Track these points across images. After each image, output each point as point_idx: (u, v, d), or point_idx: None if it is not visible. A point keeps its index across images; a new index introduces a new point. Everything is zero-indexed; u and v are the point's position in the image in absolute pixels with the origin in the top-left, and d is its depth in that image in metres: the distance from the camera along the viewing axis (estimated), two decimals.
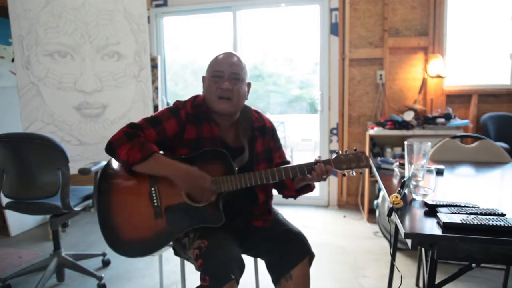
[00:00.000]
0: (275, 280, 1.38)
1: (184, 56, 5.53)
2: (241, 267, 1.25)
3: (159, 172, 1.32)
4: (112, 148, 1.32)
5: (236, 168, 1.37)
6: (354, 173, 1.39)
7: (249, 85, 1.49)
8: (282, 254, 1.36)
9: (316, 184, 1.44)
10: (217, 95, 1.38)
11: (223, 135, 1.45)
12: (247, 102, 1.53)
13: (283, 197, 1.56)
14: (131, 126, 1.36)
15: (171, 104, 1.49)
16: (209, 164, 1.35)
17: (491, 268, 2.17)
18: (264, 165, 1.47)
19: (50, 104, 2.76)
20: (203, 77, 1.49)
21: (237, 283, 1.21)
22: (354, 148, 1.42)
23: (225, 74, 1.39)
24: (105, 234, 1.38)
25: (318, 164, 1.36)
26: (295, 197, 1.54)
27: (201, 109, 1.44)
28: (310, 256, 1.39)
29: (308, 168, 1.36)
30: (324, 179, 1.37)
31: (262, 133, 1.52)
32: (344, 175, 1.41)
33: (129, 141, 1.30)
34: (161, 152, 1.42)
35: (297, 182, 1.46)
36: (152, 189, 1.36)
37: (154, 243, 1.34)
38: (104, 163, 1.44)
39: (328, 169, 1.35)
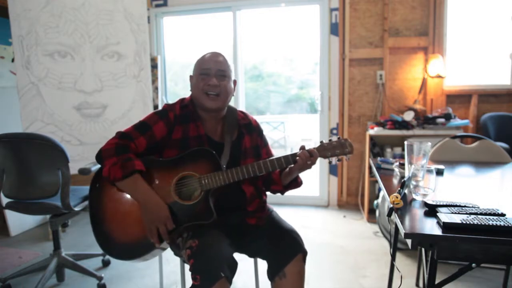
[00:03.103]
0: (270, 278, 1.40)
1: (184, 56, 5.53)
2: (232, 265, 1.25)
3: (134, 195, 1.34)
4: (101, 158, 1.35)
5: (224, 166, 1.39)
6: (340, 161, 1.41)
7: (234, 82, 1.54)
8: (275, 252, 1.38)
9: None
10: (205, 91, 1.42)
11: (209, 132, 1.48)
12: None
13: (271, 192, 1.59)
14: (121, 136, 1.38)
15: None
16: (197, 163, 1.37)
17: (491, 268, 2.17)
18: (251, 161, 1.49)
19: (50, 104, 2.76)
20: (190, 76, 1.53)
21: (229, 281, 1.22)
22: (338, 136, 1.44)
23: (212, 71, 1.43)
24: (98, 237, 1.41)
25: (302, 151, 1.38)
26: (282, 192, 1.56)
27: (188, 109, 1.47)
28: (303, 253, 1.40)
29: (293, 157, 1.38)
30: (309, 166, 1.39)
31: (249, 130, 1.56)
32: (330, 162, 1.43)
33: (116, 155, 1.32)
34: (151, 156, 1.43)
35: (284, 177, 1.49)
36: None
37: (146, 244, 1.35)
38: None
39: (312, 153, 1.37)
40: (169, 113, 1.44)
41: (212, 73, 1.43)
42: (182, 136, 1.43)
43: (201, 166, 1.37)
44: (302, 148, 1.40)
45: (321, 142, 1.42)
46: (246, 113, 1.62)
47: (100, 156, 1.35)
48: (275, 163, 1.38)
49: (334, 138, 1.43)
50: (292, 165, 1.40)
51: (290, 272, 1.35)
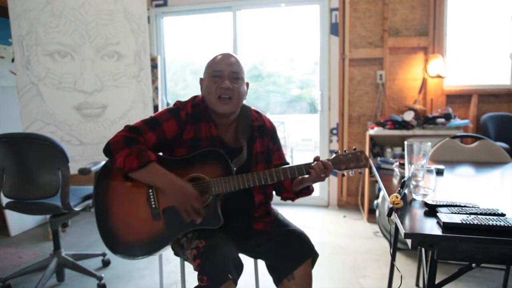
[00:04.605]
0: (277, 281, 1.38)
1: (184, 56, 5.53)
2: (238, 267, 1.25)
3: (154, 182, 1.31)
4: (110, 151, 1.31)
5: (234, 169, 1.36)
6: (354, 173, 1.38)
7: (247, 84, 1.49)
8: (285, 254, 1.35)
9: (316, 184, 1.44)
10: (217, 95, 1.37)
11: (221, 134, 1.44)
12: (246, 102, 1.53)
13: (281, 199, 1.55)
14: (131, 129, 1.34)
15: (171, 104, 1.48)
16: (207, 165, 1.35)
17: (491, 268, 2.17)
18: (262, 166, 1.47)
19: (50, 104, 2.76)
20: (201, 79, 1.48)
21: (235, 283, 1.21)
22: (353, 147, 1.40)
23: (225, 73, 1.38)
24: (104, 236, 1.38)
25: (316, 162, 1.34)
26: (293, 199, 1.52)
27: (199, 108, 1.43)
28: (314, 256, 1.39)
29: (307, 168, 1.34)
30: (323, 179, 1.35)
31: (262, 133, 1.51)
32: (343, 175, 1.40)
33: (127, 147, 1.28)
34: (160, 153, 1.42)
35: (296, 185, 1.45)
36: (150, 191, 1.35)
37: (152, 245, 1.34)
38: (103, 163, 1.44)
39: (326, 166, 1.33)
40: (181, 112, 1.40)
41: (225, 75, 1.38)
42: (194, 136, 1.39)
43: (211, 168, 1.34)
44: (317, 159, 1.35)
45: (336, 153, 1.38)
46: (261, 113, 1.56)
47: (109, 149, 1.30)
48: (287, 172, 1.35)
49: (350, 150, 1.38)
50: (305, 176, 1.37)
51: (299, 275, 1.33)
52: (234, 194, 1.37)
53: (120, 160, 1.28)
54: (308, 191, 1.49)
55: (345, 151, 1.39)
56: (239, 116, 1.48)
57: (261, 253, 1.44)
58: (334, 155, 1.38)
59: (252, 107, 1.55)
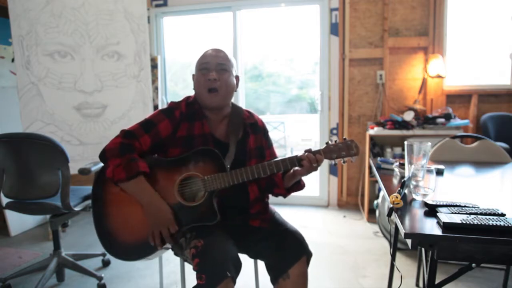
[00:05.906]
0: (273, 280, 1.39)
1: (184, 56, 5.52)
2: (237, 265, 1.25)
3: (137, 197, 1.33)
4: (105, 158, 1.34)
5: (228, 166, 1.37)
6: (345, 162, 1.38)
7: (237, 78, 1.51)
8: (280, 253, 1.37)
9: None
10: (206, 87, 1.40)
11: (213, 130, 1.46)
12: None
13: (273, 195, 1.56)
14: (126, 135, 1.36)
15: None
16: (201, 163, 1.36)
17: (491, 268, 2.17)
18: (255, 162, 1.48)
19: (50, 104, 2.76)
20: (193, 75, 1.51)
21: (234, 281, 1.21)
22: (344, 137, 1.42)
23: (211, 65, 1.42)
24: (101, 238, 1.39)
25: (307, 153, 1.35)
26: (285, 196, 1.53)
27: (194, 107, 1.46)
28: (307, 255, 1.39)
29: (298, 159, 1.35)
30: (315, 169, 1.36)
31: (254, 130, 1.53)
32: (335, 164, 1.40)
33: (120, 155, 1.31)
34: (155, 155, 1.43)
35: (288, 179, 1.46)
36: None
37: (148, 245, 1.34)
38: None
39: (318, 158, 1.34)
40: (175, 111, 1.42)
41: (211, 67, 1.41)
42: (187, 134, 1.41)
43: (205, 166, 1.36)
44: (308, 151, 1.36)
45: (327, 143, 1.38)
46: (252, 113, 1.59)
47: (104, 156, 1.33)
48: (280, 164, 1.36)
49: (340, 139, 1.38)
50: (297, 168, 1.38)
51: (294, 274, 1.34)
52: (229, 191, 1.38)
53: (109, 170, 1.31)
54: (299, 185, 1.49)
55: (335, 140, 1.39)
56: (230, 114, 1.51)
57: (258, 252, 1.45)
58: (325, 145, 1.39)
59: (244, 108, 1.58)
